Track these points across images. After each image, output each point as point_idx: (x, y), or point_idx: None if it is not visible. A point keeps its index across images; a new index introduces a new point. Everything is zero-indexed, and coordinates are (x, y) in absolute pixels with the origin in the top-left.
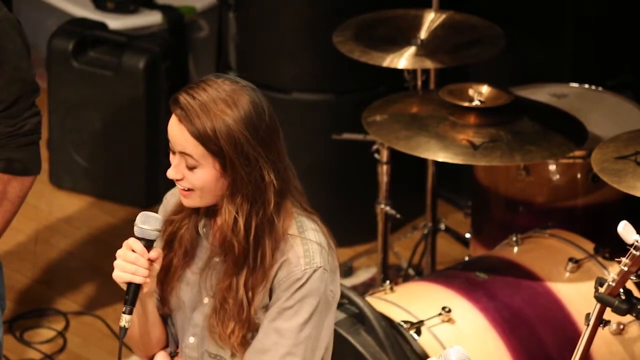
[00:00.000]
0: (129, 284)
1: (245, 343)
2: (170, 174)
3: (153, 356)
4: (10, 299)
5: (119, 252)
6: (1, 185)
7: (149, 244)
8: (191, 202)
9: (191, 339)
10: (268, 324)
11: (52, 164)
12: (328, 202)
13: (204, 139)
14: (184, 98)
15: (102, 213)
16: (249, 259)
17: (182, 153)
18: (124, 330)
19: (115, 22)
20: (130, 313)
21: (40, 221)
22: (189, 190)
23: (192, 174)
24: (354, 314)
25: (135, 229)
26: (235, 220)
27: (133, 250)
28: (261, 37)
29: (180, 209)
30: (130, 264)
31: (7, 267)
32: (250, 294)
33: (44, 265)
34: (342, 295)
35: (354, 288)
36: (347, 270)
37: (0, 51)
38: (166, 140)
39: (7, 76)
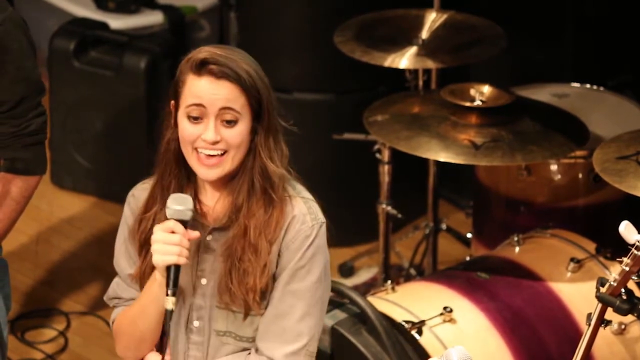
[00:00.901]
0: (170, 266)
1: (261, 299)
2: (211, 136)
3: (142, 358)
4: (12, 299)
5: (157, 237)
6: (6, 184)
7: (184, 224)
8: (220, 170)
9: (196, 323)
10: (283, 288)
11: (53, 164)
12: (329, 202)
13: (246, 84)
14: (210, 55)
15: (104, 213)
16: (276, 205)
17: (223, 109)
18: (171, 312)
19: (117, 22)
20: (175, 295)
21: (41, 221)
22: (222, 155)
23: (231, 131)
24: (356, 314)
25: (169, 211)
26: (270, 164)
27: (173, 232)
28: (262, 37)
29: (150, 205)
30: (174, 245)
31: (9, 267)
32: (269, 245)
33: (46, 265)
34: (344, 295)
35: (356, 288)
36: (348, 270)
37: (4, 51)
38: None
39: (12, 76)
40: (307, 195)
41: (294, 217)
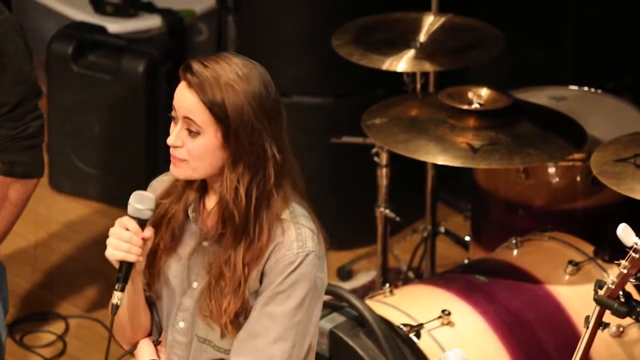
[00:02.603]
0: (122, 262)
1: (236, 322)
2: (170, 140)
3: (136, 343)
4: (10, 303)
5: (112, 231)
6: (4, 188)
7: (142, 223)
8: (182, 172)
9: (181, 324)
10: (260, 309)
11: (52, 168)
12: (328, 205)
13: (212, 104)
14: (196, 65)
15: (102, 217)
16: (248, 231)
17: (187, 118)
18: (116, 307)
19: (115, 26)
20: (123, 290)
21: (40, 225)
22: (183, 160)
23: (193, 142)
24: (354, 317)
25: (129, 208)
26: (237, 189)
27: (127, 229)
28: (260, 41)
29: (168, 193)
30: (124, 242)
31: (7, 271)
32: (246, 269)
33: (44, 269)
34: (342, 298)
35: (354, 291)
36: (346, 273)
37: (2, 53)
38: (165, 143)
39: (10, 78)
40: (304, 221)
41: (280, 242)
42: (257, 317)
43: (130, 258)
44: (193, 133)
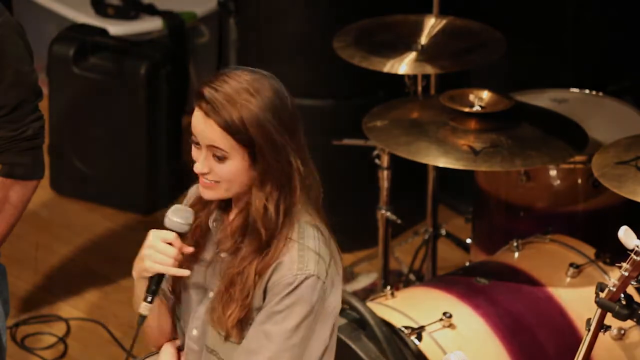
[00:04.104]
0: (155, 274)
1: (240, 328)
2: (198, 168)
3: (161, 346)
4: (11, 305)
5: (149, 243)
6: (4, 190)
7: (180, 237)
8: (214, 194)
9: (194, 331)
10: (258, 326)
11: (53, 170)
12: (328, 208)
13: (233, 129)
14: (208, 91)
15: (103, 219)
16: (270, 245)
17: (211, 146)
18: (143, 318)
19: (116, 28)
20: (152, 302)
21: (40, 227)
22: (215, 182)
23: (222, 166)
24: (355, 320)
25: (166, 220)
26: (266, 207)
27: (171, 244)
28: (261, 43)
29: (197, 200)
30: (168, 257)
31: (8, 273)
32: (257, 278)
33: (45, 271)
34: (343, 301)
35: (355, 293)
36: (348, 275)
37: (1, 55)
38: (166, 146)
39: (10, 79)
40: (311, 243)
41: (281, 262)
42: (254, 334)
43: (171, 272)
44: (220, 158)
